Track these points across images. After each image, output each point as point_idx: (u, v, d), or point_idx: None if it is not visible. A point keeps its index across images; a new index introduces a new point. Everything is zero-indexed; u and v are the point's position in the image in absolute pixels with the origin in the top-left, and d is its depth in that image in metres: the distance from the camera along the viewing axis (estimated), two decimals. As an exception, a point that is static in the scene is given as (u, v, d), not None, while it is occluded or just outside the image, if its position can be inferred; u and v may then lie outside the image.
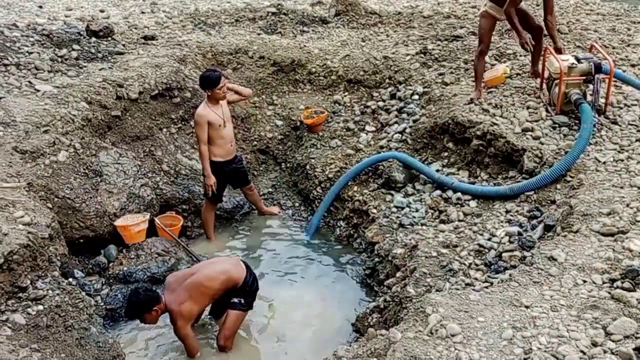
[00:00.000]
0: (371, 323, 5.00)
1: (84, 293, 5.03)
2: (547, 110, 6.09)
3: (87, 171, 6.01)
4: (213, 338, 5.25)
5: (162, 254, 5.95)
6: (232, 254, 6.39)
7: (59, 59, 7.20)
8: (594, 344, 3.36)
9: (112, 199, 6.12)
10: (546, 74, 6.26)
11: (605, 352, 3.28)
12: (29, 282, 4.50)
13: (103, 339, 4.74)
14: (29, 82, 6.54)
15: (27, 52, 7.11)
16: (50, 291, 4.60)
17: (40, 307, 4.42)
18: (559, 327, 3.53)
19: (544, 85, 6.32)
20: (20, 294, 4.42)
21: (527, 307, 3.77)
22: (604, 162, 5.32)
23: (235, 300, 5.07)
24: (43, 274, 4.67)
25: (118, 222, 6.03)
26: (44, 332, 4.32)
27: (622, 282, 3.83)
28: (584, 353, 3.30)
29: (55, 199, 5.59)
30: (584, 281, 3.94)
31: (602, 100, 5.96)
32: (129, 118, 6.74)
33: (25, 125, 5.80)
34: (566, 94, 5.87)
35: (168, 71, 7.19)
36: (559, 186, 5.29)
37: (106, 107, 6.51)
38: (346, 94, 7.89)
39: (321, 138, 7.42)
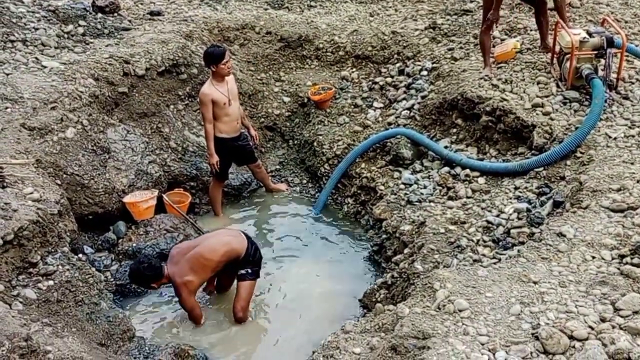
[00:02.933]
0: (379, 299, 5.02)
1: (93, 269, 5.08)
2: (557, 86, 6.01)
3: (95, 148, 6.01)
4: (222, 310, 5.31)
5: (170, 230, 5.98)
6: (238, 229, 6.40)
7: (65, 35, 7.16)
8: (603, 320, 3.36)
9: (120, 176, 6.14)
10: (557, 49, 6.16)
11: (613, 327, 3.28)
12: (39, 257, 4.54)
13: (113, 313, 4.79)
14: (36, 58, 6.52)
15: (34, 28, 7.07)
16: (60, 267, 4.64)
17: (51, 282, 4.46)
18: (567, 303, 3.53)
19: (555, 60, 6.24)
20: (31, 270, 4.47)
21: (535, 282, 3.77)
22: (615, 138, 5.26)
23: (243, 271, 5.17)
24: (53, 250, 4.70)
25: (127, 199, 6.05)
26: (54, 306, 4.37)
27: (632, 258, 3.81)
28: (592, 328, 3.30)
29: (64, 176, 5.61)
30: (593, 257, 3.93)
31: (614, 76, 5.87)
32: (136, 95, 6.71)
33: (33, 101, 5.79)
34: (577, 68, 5.79)
35: (175, 47, 7.14)
36: (568, 162, 5.25)
37: (113, 84, 6.49)
38: (354, 70, 7.82)
39: (329, 115, 7.38)
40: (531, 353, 3.20)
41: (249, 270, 5.18)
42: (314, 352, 3.86)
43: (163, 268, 4.95)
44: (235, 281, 5.25)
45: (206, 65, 6.27)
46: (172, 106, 7.05)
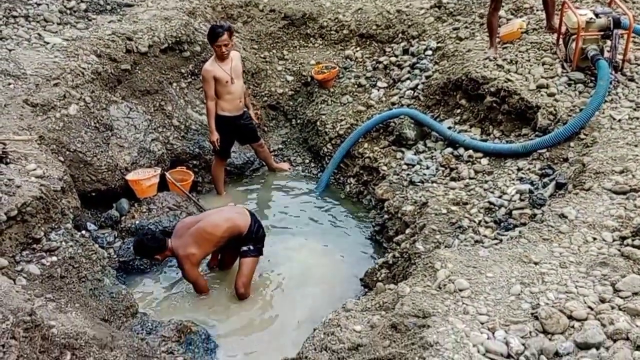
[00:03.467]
0: (380, 278, 5.05)
1: (97, 245, 5.11)
2: (563, 67, 5.96)
3: (97, 125, 6.01)
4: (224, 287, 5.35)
5: (173, 208, 6.00)
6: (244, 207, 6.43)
7: (68, 11, 7.12)
8: (602, 300, 3.37)
9: (123, 153, 6.14)
10: (563, 29, 6.10)
11: (612, 308, 3.29)
12: (42, 233, 4.56)
13: (116, 290, 4.83)
14: (38, 34, 6.49)
15: (36, 3, 7.02)
16: (63, 243, 4.67)
17: (54, 258, 4.49)
18: (567, 284, 3.54)
19: (561, 41, 6.18)
20: (35, 245, 4.49)
21: (536, 263, 3.78)
22: (619, 120, 5.23)
23: (245, 248, 5.22)
24: (56, 226, 4.72)
25: (129, 177, 6.07)
26: (58, 282, 4.40)
27: (633, 240, 3.81)
28: (592, 309, 3.32)
29: (67, 153, 5.62)
30: (594, 238, 3.94)
31: (620, 57, 5.81)
32: (139, 72, 6.69)
33: (36, 78, 5.78)
34: (583, 49, 5.73)
35: (177, 24, 7.09)
36: (572, 144, 5.22)
37: (116, 61, 6.46)
38: (358, 49, 7.76)
39: (332, 94, 7.34)
40: (530, 332, 3.23)
41: (251, 247, 5.23)
42: (314, 330, 3.89)
43: (166, 241, 5.04)
44: (238, 258, 5.29)
45: (208, 40, 6.26)
46: (174, 84, 7.03)
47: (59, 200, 4.83)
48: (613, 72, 5.66)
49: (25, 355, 3.28)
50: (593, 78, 5.70)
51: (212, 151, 6.64)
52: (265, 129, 7.54)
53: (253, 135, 6.74)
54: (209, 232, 5.04)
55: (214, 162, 6.63)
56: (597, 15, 5.74)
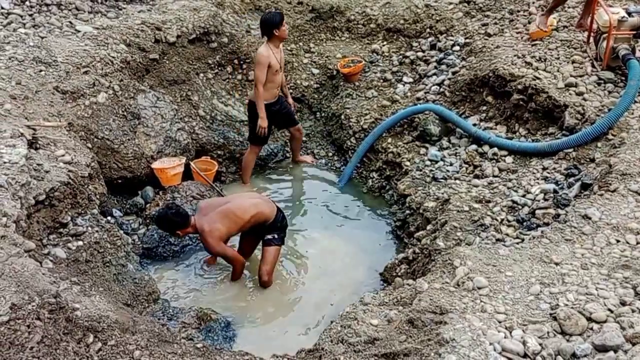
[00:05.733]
0: (399, 273, 5.05)
1: (121, 231, 5.21)
2: (592, 66, 5.87)
3: (125, 113, 6.11)
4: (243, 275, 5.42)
5: (196, 197, 6.07)
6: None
7: (99, 0, 7.22)
8: (623, 303, 3.34)
9: (149, 142, 6.24)
10: (594, 27, 6.00)
11: (633, 311, 3.26)
12: (69, 218, 4.66)
13: (139, 275, 4.92)
14: (70, 22, 6.60)
15: (68, -8, 7.14)
16: (89, 228, 4.77)
17: (80, 243, 4.59)
18: (588, 285, 3.51)
19: (591, 39, 6.08)
20: (61, 230, 4.60)
21: (557, 264, 3.75)
22: (649, 121, 5.14)
23: (270, 236, 5.27)
24: (83, 212, 4.82)
25: (155, 165, 6.16)
26: (83, 266, 4.50)
27: (657, 244, 3.76)
28: (612, 311, 3.29)
29: (95, 140, 5.73)
30: (617, 241, 3.89)
31: (652, 57, 5.70)
32: (167, 62, 6.77)
33: (66, 65, 5.88)
34: (614, 48, 5.64)
35: (206, 15, 7.15)
36: (599, 144, 5.15)
37: (144, 50, 6.55)
38: (385, 43, 7.74)
39: (357, 88, 7.34)
40: (548, 333, 3.21)
41: (276, 236, 5.29)
42: (332, 322, 3.92)
43: (190, 217, 5.03)
44: (261, 246, 5.35)
45: (266, 31, 6.21)
46: (201, 74, 7.10)
47: (86, 187, 4.93)
48: (644, 72, 5.55)
49: (49, 336, 3.37)
50: (623, 78, 5.60)
51: (247, 139, 6.67)
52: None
53: (290, 119, 6.77)
54: (238, 215, 5.08)
55: (248, 149, 6.68)
56: (629, 14, 5.65)
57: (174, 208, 5.06)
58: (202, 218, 5.05)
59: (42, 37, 6.19)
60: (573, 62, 5.97)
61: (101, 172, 5.57)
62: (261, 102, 6.28)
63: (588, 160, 5.11)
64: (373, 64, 7.53)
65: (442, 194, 5.46)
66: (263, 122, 6.34)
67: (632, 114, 5.25)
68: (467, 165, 5.82)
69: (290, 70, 7.68)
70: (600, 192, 4.48)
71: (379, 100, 7.08)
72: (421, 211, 5.53)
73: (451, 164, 5.93)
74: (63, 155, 4.94)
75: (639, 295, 3.37)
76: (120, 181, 6.00)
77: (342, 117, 7.14)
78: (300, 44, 7.93)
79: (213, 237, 5.00)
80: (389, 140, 6.63)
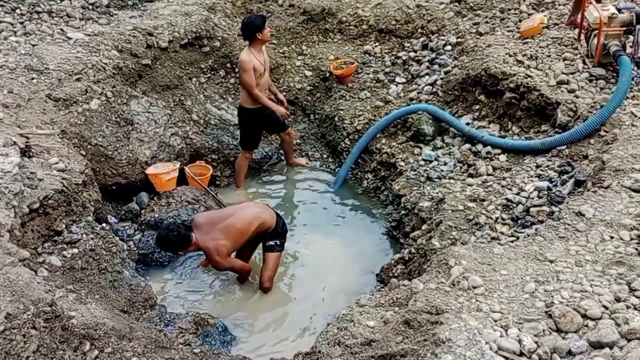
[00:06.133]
0: (395, 274, 5.06)
1: (117, 238, 5.20)
2: (584, 63, 5.90)
3: (118, 119, 6.10)
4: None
5: (191, 202, 6.06)
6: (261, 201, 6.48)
7: (90, 7, 7.21)
8: (617, 300, 3.35)
9: (143, 147, 6.23)
10: (585, 24, 6.02)
11: (628, 307, 3.27)
12: (64, 226, 4.66)
13: (135, 282, 4.92)
14: (61, 29, 6.59)
15: (59, -1, 7.14)
16: (84, 235, 4.76)
17: (75, 250, 4.59)
18: (583, 282, 3.52)
19: (582, 36, 6.10)
20: (56, 237, 4.59)
21: (551, 261, 3.76)
22: (641, 117, 5.16)
23: (272, 243, 5.29)
24: (77, 219, 4.82)
25: (149, 170, 6.15)
26: (78, 274, 4.50)
27: (651, 239, 3.78)
28: (606, 308, 3.30)
29: (89, 146, 5.72)
30: (611, 237, 3.90)
31: (643, 53, 5.73)
32: (159, 67, 6.77)
33: (58, 72, 5.88)
34: (605, 45, 5.66)
35: (197, 19, 7.15)
36: (592, 141, 5.17)
37: (137, 56, 6.55)
38: (377, 44, 7.75)
39: (350, 89, 7.35)
40: (543, 331, 3.22)
41: (278, 242, 5.31)
42: (328, 325, 3.93)
43: (191, 236, 4.97)
44: (262, 252, 5.35)
45: (248, 36, 6.21)
46: (194, 79, 7.10)
47: (80, 194, 4.93)
48: (635, 68, 5.58)
49: (45, 345, 3.37)
50: (615, 74, 5.63)
51: (239, 143, 6.68)
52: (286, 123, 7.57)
53: (280, 124, 6.77)
54: (241, 229, 5.06)
55: (240, 154, 6.69)
56: (619, 10, 5.67)
57: (174, 230, 4.94)
58: (204, 236, 4.98)
59: (34, 45, 6.18)
60: (564, 59, 5.99)
61: (95, 178, 5.57)
62: (265, 100, 6.31)
63: (581, 157, 5.12)
64: (366, 65, 7.54)
65: (437, 193, 5.47)
66: (279, 109, 6.41)
67: (624, 110, 5.27)
68: (461, 165, 5.84)
69: (283, 72, 7.69)
70: (594, 188, 4.50)
71: (372, 101, 7.09)
72: (416, 211, 5.54)
73: (445, 164, 5.95)
74: (56, 163, 4.93)
75: (634, 292, 3.38)
76: (114, 187, 5.99)
77: (336, 118, 7.15)
78: (293, 46, 7.93)
79: (220, 255, 4.97)
80: (383, 140, 6.63)
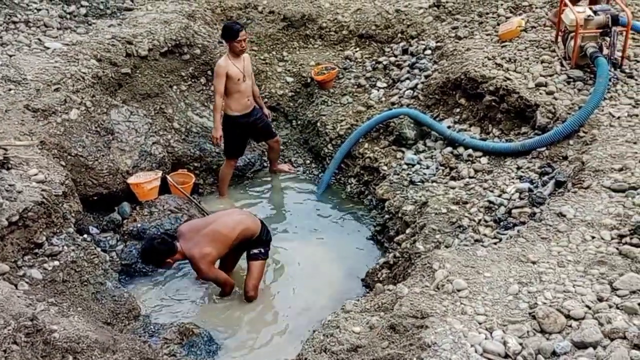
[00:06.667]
0: (380, 278, 5.07)
1: (99, 249, 5.16)
2: (561, 65, 5.97)
3: (98, 129, 6.05)
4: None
5: (174, 210, 6.02)
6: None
7: (68, 16, 7.16)
8: (600, 299, 3.38)
9: (124, 157, 6.18)
10: (562, 27, 6.10)
11: (610, 307, 3.30)
12: (44, 238, 4.60)
13: (119, 293, 4.87)
14: (39, 39, 6.53)
15: (36, 9, 7.07)
16: (65, 247, 4.71)
17: (56, 263, 4.53)
18: (565, 283, 3.55)
19: (560, 39, 6.18)
20: (37, 250, 4.53)
21: (534, 262, 3.79)
22: (618, 117, 5.23)
23: (256, 250, 5.27)
24: (58, 231, 4.76)
25: (131, 180, 6.10)
26: (60, 286, 4.44)
27: (631, 238, 3.82)
28: (589, 308, 3.32)
29: (68, 157, 5.66)
30: (593, 237, 3.94)
31: (619, 54, 5.81)
32: (139, 75, 6.72)
33: (36, 83, 5.81)
34: (582, 47, 5.73)
35: (177, 27, 7.12)
36: (571, 142, 5.23)
37: (116, 65, 6.50)
38: (357, 49, 7.77)
39: (332, 95, 7.35)
40: (528, 332, 3.24)
41: (262, 250, 5.29)
42: (314, 332, 3.91)
43: (176, 244, 4.93)
44: (247, 260, 5.32)
45: (222, 37, 6.30)
46: (175, 87, 7.06)
47: (60, 205, 4.87)
48: (612, 70, 5.66)
49: (27, 360, 3.32)
50: (592, 75, 5.70)
51: (222, 153, 6.65)
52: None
53: (268, 131, 6.75)
54: (224, 234, 5.03)
55: (224, 163, 6.66)
56: (595, 12, 5.74)
57: (158, 237, 4.92)
58: (188, 243, 4.94)
59: (11, 56, 6.11)
60: (542, 61, 6.06)
61: (76, 189, 5.50)
62: (217, 114, 6.27)
63: (561, 158, 5.18)
64: (347, 71, 7.56)
65: (420, 197, 5.50)
66: (215, 132, 6.33)
67: (602, 110, 5.34)
68: (443, 168, 5.87)
69: (265, 79, 7.68)
70: (574, 189, 4.54)
71: (354, 106, 7.10)
72: (400, 215, 5.56)
73: (428, 167, 5.97)
74: (36, 174, 4.87)
75: (615, 291, 3.42)
76: (95, 198, 5.93)
77: (318, 124, 7.15)
78: (274, 52, 7.93)
79: (205, 263, 4.93)
80: (366, 145, 6.65)
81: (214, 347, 4.76)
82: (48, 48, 6.39)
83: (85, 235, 5.34)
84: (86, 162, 5.79)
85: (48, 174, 4.98)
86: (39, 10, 7.06)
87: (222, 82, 6.15)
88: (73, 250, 4.72)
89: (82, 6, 7.38)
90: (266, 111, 6.85)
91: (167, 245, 4.87)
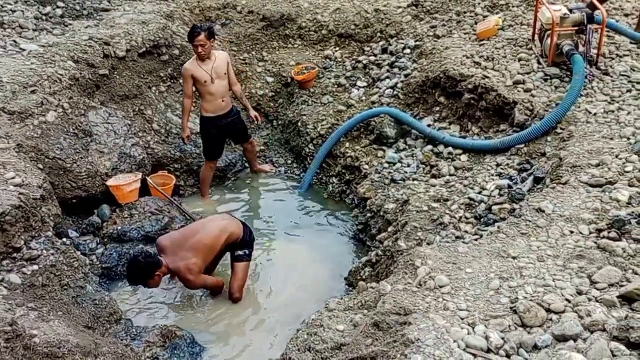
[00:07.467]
0: (364, 277, 5.08)
1: (79, 253, 5.07)
2: (539, 62, 6.04)
3: (77, 131, 5.97)
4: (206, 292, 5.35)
5: (155, 213, 5.98)
6: (226, 211, 6.42)
7: (44, 17, 7.06)
8: (579, 293, 3.42)
9: (103, 159, 6.11)
10: (538, 25, 6.18)
11: (589, 300, 3.35)
12: (23, 242, 4.52)
13: (99, 297, 4.81)
14: (14, 41, 6.42)
15: (11, 10, 6.95)
16: (44, 251, 4.63)
17: (36, 267, 4.46)
18: (545, 277, 3.59)
19: (536, 37, 6.25)
20: (15, 255, 4.45)
21: (514, 258, 3.83)
22: (595, 114, 5.31)
23: (241, 252, 5.27)
24: (37, 235, 4.69)
25: (110, 182, 6.03)
26: (40, 291, 4.37)
27: (609, 232, 3.87)
28: (569, 301, 3.36)
29: (46, 160, 5.57)
30: (571, 232, 3.99)
31: (595, 52, 5.91)
32: (117, 77, 6.66)
33: (12, 85, 5.72)
34: (558, 45, 5.82)
35: (155, 28, 7.07)
36: (549, 139, 5.29)
37: (94, 66, 6.42)
38: (337, 49, 7.79)
39: (313, 94, 7.36)
40: (509, 326, 3.27)
41: (247, 252, 5.29)
42: (298, 331, 3.91)
43: (160, 260, 4.87)
44: (231, 262, 5.31)
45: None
46: (154, 88, 7.00)
47: (39, 209, 4.79)
48: (588, 67, 5.75)
49: (6, 366, 3.27)
50: (569, 73, 5.78)
51: (203, 154, 6.63)
52: (248, 130, 7.52)
53: (243, 135, 6.74)
54: (209, 245, 5.02)
55: (204, 164, 6.63)
56: (571, 10, 5.83)
57: (141, 254, 4.83)
58: (172, 257, 4.90)
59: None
60: (520, 60, 6.13)
61: (54, 192, 5.42)
62: (185, 115, 6.42)
63: (539, 154, 5.24)
64: (327, 70, 7.57)
65: (402, 195, 5.52)
66: (183, 132, 6.51)
67: (579, 107, 5.42)
68: (424, 166, 5.91)
69: (245, 79, 7.66)
70: (553, 185, 4.60)
71: (334, 105, 7.12)
72: (382, 214, 5.59)
73: (409, 165, 6.01)
74: (13, 178, 4.79)
75: (595, 284, 3.46)
76: (75, 201, 5.85)
77: (299, 124, 7.15)
78: (254, 53, 7.91)
79: (193, 274, 4.91)
80: (347, 145, 6.67)
81: (198, 350, 4.73)
82: (24, 50, 6.29)
83: (64, 239, 5.26)
84: (64, 165, 5.71)
85: (25, 178, 4.90)
86: (14, 11, 6.95)
87: (189, 84, 6.18)
88: (52, 254, 4.65)
89: (58, 7, 7.29)
90: (253, 113, 6.81)
91: (153, 258, 4.81)
